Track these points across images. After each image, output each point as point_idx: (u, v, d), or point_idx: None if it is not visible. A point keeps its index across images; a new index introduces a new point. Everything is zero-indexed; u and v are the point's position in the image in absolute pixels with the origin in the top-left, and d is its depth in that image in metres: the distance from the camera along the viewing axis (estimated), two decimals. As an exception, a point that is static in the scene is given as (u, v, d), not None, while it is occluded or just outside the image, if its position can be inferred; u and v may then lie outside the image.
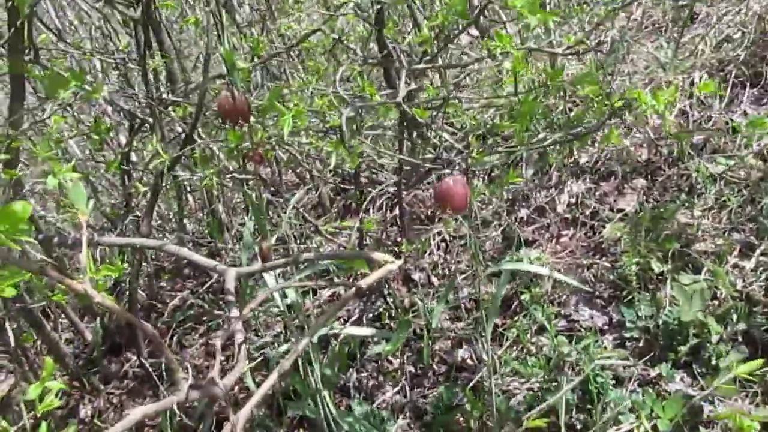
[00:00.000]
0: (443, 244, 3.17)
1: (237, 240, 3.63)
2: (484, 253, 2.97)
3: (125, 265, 1.96)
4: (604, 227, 2.87)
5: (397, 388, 2.67)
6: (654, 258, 2.56)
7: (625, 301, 2.53)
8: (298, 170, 3.85)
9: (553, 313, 2.55)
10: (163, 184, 2.31)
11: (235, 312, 1.57)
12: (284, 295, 2.22)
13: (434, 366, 2.69)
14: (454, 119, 3.06)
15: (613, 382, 2.30)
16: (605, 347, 2.41)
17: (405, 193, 3.35)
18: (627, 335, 2.45)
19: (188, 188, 3.73)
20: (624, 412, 2.22)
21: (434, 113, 1.98)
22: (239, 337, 1.43)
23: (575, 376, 2.38)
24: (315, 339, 2.40)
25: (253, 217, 2.48)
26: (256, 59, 2.27)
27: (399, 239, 3.26)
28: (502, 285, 2.10)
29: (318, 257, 1.67)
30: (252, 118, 1.88)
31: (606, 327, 2.52)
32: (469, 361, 2.66)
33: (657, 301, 2.44)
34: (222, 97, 1.82)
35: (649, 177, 3.05)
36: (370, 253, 1.68)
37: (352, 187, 3.47)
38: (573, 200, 3.06)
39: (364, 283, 1.60)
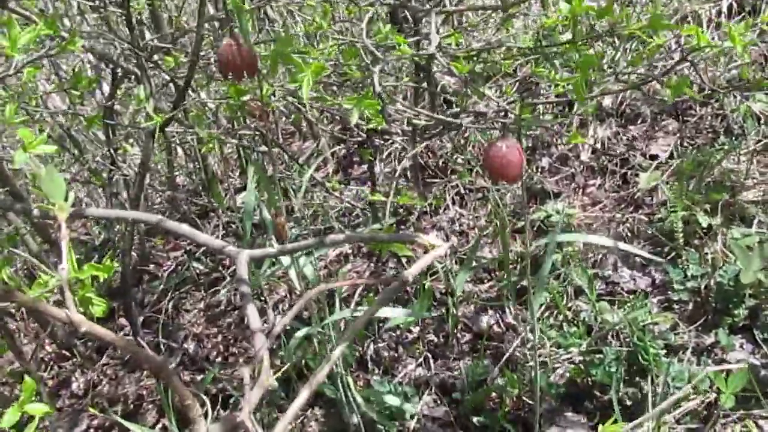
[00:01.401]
0: (458, 198, 2.84)
1: (232, 194, 3.28)
2: (505, 207, 2.65)
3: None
4: (636, 176, 2.55)
5: (419, 361, 2.37)
6: (699, 210, 2.25)
7: (668, 259, 2.23)
8: (292, 118, 3.48)
9: (589, 275, 2.24)
10: (154, 145, 1.96)
11: (253, 314, 1.25)
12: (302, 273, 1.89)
13: (457, 334, 2.39)
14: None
15: (664, 351, 2.01)
16: (650, 312, 2.11)
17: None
18: (675, 298, 2.15)
19: (177, 140, 3.35)
20: (680, 385, 1.93)
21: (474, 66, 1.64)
22: (262, 354, 1.11)
23: (620, 345, 2.09)
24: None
25: (255, 180, 2.14)
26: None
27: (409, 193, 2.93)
28: (549, 256, 1.77)
29: (350, 238, 1.35)
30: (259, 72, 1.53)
31: (649, 289, 2.22)
32: (495, 328, 2.36)
33: (709, 259, 2.14)
34: (224, 46, 1.46)
35: (680, 118, 2.72)
36: (414, 234, 1.35)
37: (355, 137, 3.12)
38: (598, 146, 2.74)
39: (409, 274, 1.29)
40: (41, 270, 1.28)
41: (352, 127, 3.16)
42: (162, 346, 2.83)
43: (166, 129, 1.96)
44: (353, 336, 1.23)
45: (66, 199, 0.91)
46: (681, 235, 2.18)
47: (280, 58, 1.60)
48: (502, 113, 1.87)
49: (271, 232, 1.66)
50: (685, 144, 2.59)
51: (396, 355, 2.40)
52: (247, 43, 1.47)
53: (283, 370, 2.05)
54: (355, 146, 3.11)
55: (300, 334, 1.96)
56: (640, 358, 1.99)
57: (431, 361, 2.35)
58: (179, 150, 3.68)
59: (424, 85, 2.24)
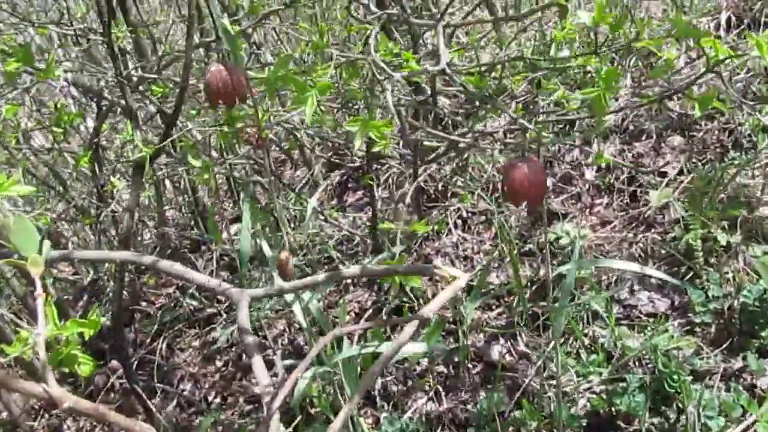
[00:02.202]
0: (460, 222, 2.71)
1: (226, 226, 3.14)
2: (511, 230, 2.52)
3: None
4: (645, 193, 2.43)
5: (429, 394, 2.22)
6: (716, 227, 2.12)
7: (685, 279, 2.10)
8: (282, 146, 3.35)
9: (606, 298, 2.11)
10: (143, 179, 1.82)
11: (260, 368, 1.11)
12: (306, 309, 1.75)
13: (468, 365, 2.25)
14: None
15: (690, 378, 1.88)
16: (673, 336, 1.98)
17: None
18: (696, 320, 2.02)
19: (166, 173, 3.21)
20: (711, 414, 1.80)
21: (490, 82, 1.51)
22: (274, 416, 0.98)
23: (643, 372, 1.95)
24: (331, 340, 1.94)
25: (249, 212, 1.99)
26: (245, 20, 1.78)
27: (410, 218, 2.80)
28: (569, 281, 1.64)
29: (365, 272, 1.21)
30: (252, 98, 1.39)
31: (669, 312, 2.09)
32: (508, 357, 2.22)
33: (731, 279, 2.02)
34: (213, 72, 1.33)
35: (686, 133, 2.61)
36: (432, 266, 1.22)
37: (350, 163, 2.99)
38: (603, 165, 2.61)
39: (429, 311, 1.15)
40: (23, 322, 1.13)
41: (347, 153, 3.03)
42: (157, 389, 2.67)
43: (155, 162, 1.82)
44: (370, 384, 1.09)
45: (41, 251, 0.77)
46: (701, 254, 2.05)
47: (278, 80, 1.47)
48: (514, 132, 1.75)
49: (274, 269, 1.51)
50: (694, 160, 2.47)
51: (405, 389, 2.25)
52: (237, 67, 1.34)
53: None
54: (352, 172, 2.98)
55: (308, 374, 1.81)
56: (666, 385, 1.86)
57: (442, 394, 2.21)
58: (167, 183, 3.54)
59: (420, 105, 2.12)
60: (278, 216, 1.46)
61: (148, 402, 2.20)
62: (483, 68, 1.49)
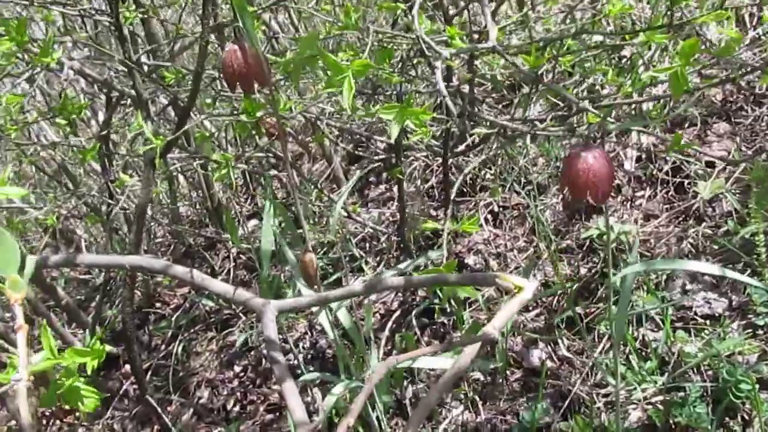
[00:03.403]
0: (490, 217, 2.51)
1: (242, 223, 2.94)
2: (547, 225, 2.32)
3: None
4: (693, 185, 2.22)
5: (465, 404, 2.02)
6: (776, 221, 1.92)
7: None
8: (300, 138, 3.15)
9: (660, 299, 1.91)
10: (155, 174, 1.64)
11: (295, 400, 0.92)
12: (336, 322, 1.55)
13: (506, 371, 2.05)
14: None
15: (758, 386, 1.67)
16: (736, 341, 1.78)
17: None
18: (759, 322, 1.82)
19: (179, 168, 3.02)
20: (782, 428, 1.60)
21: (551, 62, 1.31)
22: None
23: (703, 380, 1.75)
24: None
25: (271, 211, 1.80)
26: None
27: (437, 214, 2.60)
28: (627, 293, 1.44)
29: (409, 283, 1.02)
30: (270, 81, 1.20)
31: (727, 313, 1.89)
32: (549, 363, 2.02)
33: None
34: (228, 53, 1.14)
35: (731, 120, 2.40)
36: (494, 274, 1.02)
37: (369, 155, 2.79)
38: (642, 155, 2.41)
39: (494, 329, 0.95)
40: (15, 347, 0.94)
41: (369, 145, 2.83)
42: (172, 395, 2.48)
43: (167, 156, 1.63)
44: (424, 416, 0.89)
45: (22, 270, 0.57)
46: (763, 249, 1.84)
47: (304, 61, 1.27)
48: (565, 118, 1.55)
49: (297, 274, 1.32)
50: (743, 148, 2.26)
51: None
52: (254, 47, 1.15)
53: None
54: (375, 165, 2.78)
55: (337, 390, 1.62)
56: (731, 395, 1.66)
57: (479, 403, 2.01)
58: (181, 178, 3.35)
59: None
60: (297, 213, 1.28)
61: (161, 412, 2.02)
62: (539, 45, 1.29)
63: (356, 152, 2.68)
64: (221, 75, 1.13)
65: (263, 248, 1.76)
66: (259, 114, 1.46)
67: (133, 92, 1.62)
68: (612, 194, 2.33)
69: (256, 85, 1.16)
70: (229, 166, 1.35)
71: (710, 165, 2.25)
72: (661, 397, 1.75)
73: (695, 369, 1.79)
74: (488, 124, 1.30)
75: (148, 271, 1.45)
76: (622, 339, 1.81)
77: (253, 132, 1.45)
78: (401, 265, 1.78)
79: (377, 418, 1.72)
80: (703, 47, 2.38)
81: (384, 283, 1.04)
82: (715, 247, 2.03)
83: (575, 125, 1.38)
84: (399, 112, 1.26)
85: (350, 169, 3.06)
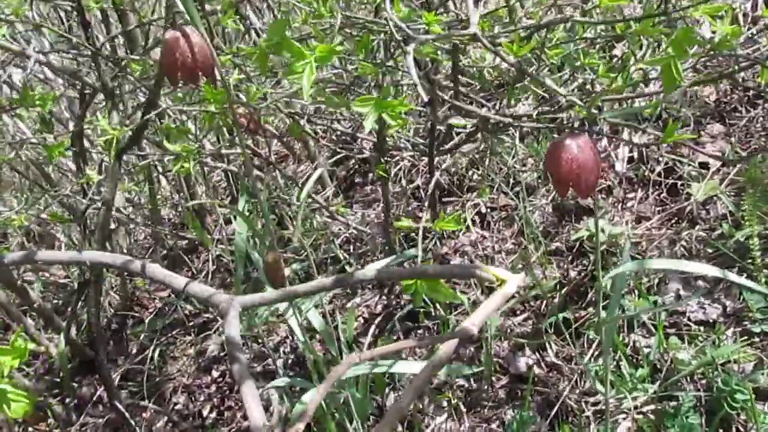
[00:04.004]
0: (477, 218, 2.41)
1: (222, 226, 2.84)
2: (535, 227, 2.22)
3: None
4: (686, 186, 2.13)
5: (449, 411, 1.93)
6: (772, 223, 1.83)
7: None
8: (285, 139, 3.05)
9: (652, 304, 1.82)
10: (122, 169, 1.54)
11: (253, 400, 0.82)
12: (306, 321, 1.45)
13: (492, 378, 1.96)
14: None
15: (754, 396, 1.58)
16: (731, 348, 1.69)
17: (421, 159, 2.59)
18: (755, 329, 1.73)
19: (159, 168, 2.91)
20: (780, 440, 1.51)
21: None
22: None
23: (696, 389, 1.66)
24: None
25: (246, 210, 1.70)
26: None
27: (421, 215, 2.50)
28: (617, 296, 1.34)
29: (383, 275, 0.93)
30: (218, 71, 1.10)
31: (721, 319, 1.80)
32: (536, 369, 1.93)
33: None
34: (169, 41, 1.03)
35: (725, 121, 2.31)
36: (473, 266, 0.93)
37: (355, 154, 2.70)
38: (634, 155, 2.32)
39: (472, 326, 0.86)
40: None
41: (354, 145, 2.74)
42: (147, 401, 2.38)
43: (131, 149, 1.53)
44: (396, 419, 0.80)
45: None
46: (758, 253, 1.76)
47: (272, 48, 1.18)
48: (552, 113, 1.46)
49: (263, 275, 1.23)
50: (737, 149, 2.17)
51: (421, 405, 1.96)
52: (198, 34, 1.05)
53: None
54: (360, 166, 2.68)
55: (307, 397, 1.52)
56: (725, 405, 1.56)
57: (463, 411, 1.91)
58: (163, 181, 3.24)
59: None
60: (264, 212, 1.18)
61: (130, 418, 1.91)
62: (524, 33, 1.20)
63: (341, 151, 2.58)
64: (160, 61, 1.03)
65: (237, 247, 1.66)
66: (228, 105, 1.37)
67: (99, 83, 1.52)
68: (599, 190, 2.24)
69: (201, 76, 1.05)
70: (189, 159, 1.25)
71: (704, 166, 2.16)
72: (652, 407, 1.65)
73: (688, 377, 1.70)
74: (468, 114, 1.21)
75: (109, 266, 1.35)
76: (611, 345, 1.71)
77: (221, 124, 1.35)
78: (383, 261, 1.68)
79: (354, 429, 1.62)
80: (698, 45, 2.30)
81: (355, 277, 0.95)
82: (709, 250, 1.94)
83: (563, 121, 1.29)
84: (375, 104, 1.17)
85: (335, 170, 2.97)
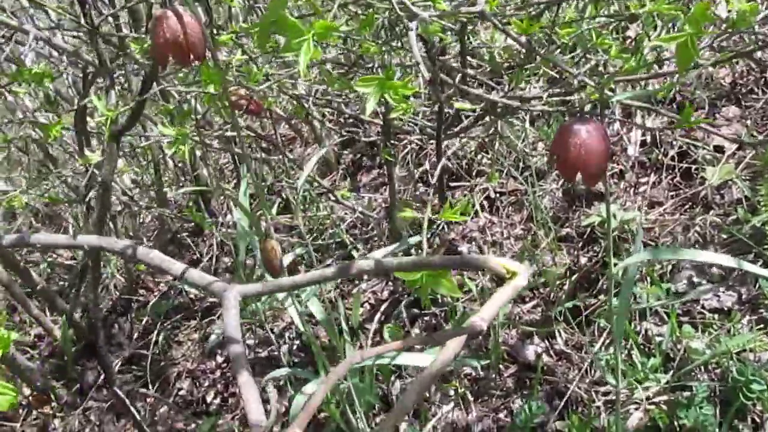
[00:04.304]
0: (486, 203, 2.36)
1: (230, 209, 2.79)
2: (545, 212, 2.17)
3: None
4: (700, 170, 2.07)
5: (456, 400, 1.88)
6: (789, 209, 1.77)
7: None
8: (293, 122, 3.00)
9: (665, 291, 1.76)
10: (121, 151, 1.49)
11: (252, 395, 0.77)
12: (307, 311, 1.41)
13: (500, 366, 1.91)
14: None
15: (769, 387, 1.53)
16: (747, 337, 1.63)
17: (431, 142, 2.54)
18: (772, 318, 1.67)
19: (165, 150, 2.86)
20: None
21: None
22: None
23: (710, 378, 1.61)
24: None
25: (247, 193, 1.66)
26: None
27: (428, 200, 2.44)
28: (629, 285, 1.29)
29: (381, 267, 0.88)
30: (213, 51, 1.04)
31: (736, 307, 1.74)
32: (545, 358, 1.88)
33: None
34: (158, 19, 0.98)
35: (741, 104, 2.24)
36: (481, 257, 0.88)
37: (364, 137, 2.64)
38: (647, 138, 2.26)
39: (481, 321, 0.81)
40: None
41: (361, 128, 2.69)
42: (151, 386, 2.35)
43: (128, 130, 1.48)
44: (401, 416, 0.75)
45: None
46: (774, 238, 1.70)
47: (271, 26, 1.12)
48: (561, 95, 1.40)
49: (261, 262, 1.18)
50: (754, 133, 2.11)
51: (427, 394, 1.91)
52: (189, 13, 0.99)
53: None
54: (367, 149, 2.63)
55: (309, 388, 1.47)
56: (741, 396, 1.51)
57: (471, 400, 1.87)
58: (170, 163, 3.20)
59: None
60: (260, 198, 1.13)
61: (130, 405, 1.88)
62: (535, 11, 1.14)
63: (349, 135, 2.52)
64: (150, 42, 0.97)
65: (238, 233, 1.62)
66: (227, 90, 1.32)
67: (97, 62, 1.47)
68: (610, 175, 2.18)
69: (193, 58, 1.00)
70: (185, 142, 1.20)
71: (719, 150, 2.10)
72: (665, 397, 1.60)
73: (702, 367, 1.65)
74: (475, 98, 1.15)
75: (107, 251, 1.31)
76: (623, 334, 1.66)
77: (219, 105, 1.30)
78: (388, 248, 1.63)
79: (357, 419, 1.58)
80: (714, 24, 2.23)
81: (357, 267, 0.90)
82: (724, 236, 1.88)
83: (574, 104, 1.23)
84: (377, 85, 1.11)
85: (342, 154, 2.92)
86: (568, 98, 1.29)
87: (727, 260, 1.17)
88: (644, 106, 1.06)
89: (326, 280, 0.96)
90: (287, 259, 1.67)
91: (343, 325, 1.91)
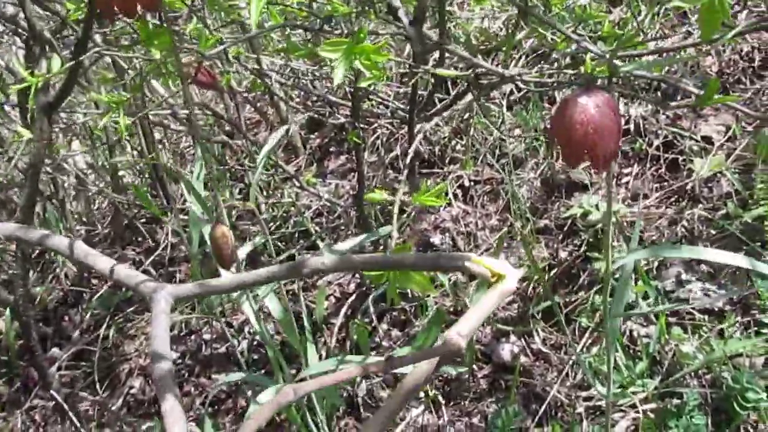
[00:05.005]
0: (460, 191, 2.20)
1: (183, 197, 2.61)
2: (523, 202, 2.02)
3: None
4: (687, 162, 1.93)
5: (426, 403, 1.73)
6: (782, 202, 1.64)
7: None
8: (258, 104, 2.82)
9: (653, 289, 1.63)
10: (52, 126, 1.30)
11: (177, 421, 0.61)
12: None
13: (473, 367, 1.76)
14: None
15: (766, 395, 1.39)
16: (740, 341, 1.50)
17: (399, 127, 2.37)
18: (766, 319, 1.54)
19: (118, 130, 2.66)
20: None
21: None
22: None
23: (701, 384, 1.47)
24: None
25: (201, 177, 1.48)
26: None
27: (399, 187, 2.28)
28: (624, 284, 1.13)
29: (346, 263, 0.72)
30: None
31: (728, 308, 1.61)
32: (522, 358, 1.73)
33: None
34: None
35: (729, 93, 2.11)
36: (462, 256, 0.72)
37: (333, 119, 2.47)
38: (630, 127, 2.12)
39: (459, 336, 0.65)
40: None
41: (329, 109, 2.51)
42: (98, 385, 2.16)
43: (60, 105, 1.29)
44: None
45: None
46: (770, 234, 1.57)
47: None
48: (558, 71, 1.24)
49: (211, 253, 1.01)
50: (743, 123, 1.97)
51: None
52: None
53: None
54: (334, 133, 2.46)
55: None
56: (735, 404, 1.38)
57: (442, 403, 1.72)
58: (127, 146, 2.99)
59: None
60: (213, 179, 0.97)
61: (70, 412, 1.70)
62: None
63: (317, 116, 2.35)
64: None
65: (191, 218, 1.44)
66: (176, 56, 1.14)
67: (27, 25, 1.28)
68: (595, 169, 2.04)
69: (141, 8, 0.82)
70: (120, 110, 1.02)
71: (707, 140, 1.96)
72: (653, 405, 1.46)
73: (693, 372, 1.51)
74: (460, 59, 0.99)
75: (23, 241, 1.13)
76: (616, 339, 1.52)
77: (167, 75, 1.13)
78: (356, 239, 1.47)
79: (317, 425, 1.42)
80: None
81: (311, 265, 0.74)
82: (713, 231, 1.75)
83: (571, 75, 1.07)
84: (346, 50, 0.95)
85: (309, 138, 2.74)
86: (561, 71, 1.14)
87: (740, 260, 1.02)
88: (657, 77, 0.91)
89: (275, 279, 0.80)
90: (244, 250, 1.50)
91: (305, 320, 1.74)
